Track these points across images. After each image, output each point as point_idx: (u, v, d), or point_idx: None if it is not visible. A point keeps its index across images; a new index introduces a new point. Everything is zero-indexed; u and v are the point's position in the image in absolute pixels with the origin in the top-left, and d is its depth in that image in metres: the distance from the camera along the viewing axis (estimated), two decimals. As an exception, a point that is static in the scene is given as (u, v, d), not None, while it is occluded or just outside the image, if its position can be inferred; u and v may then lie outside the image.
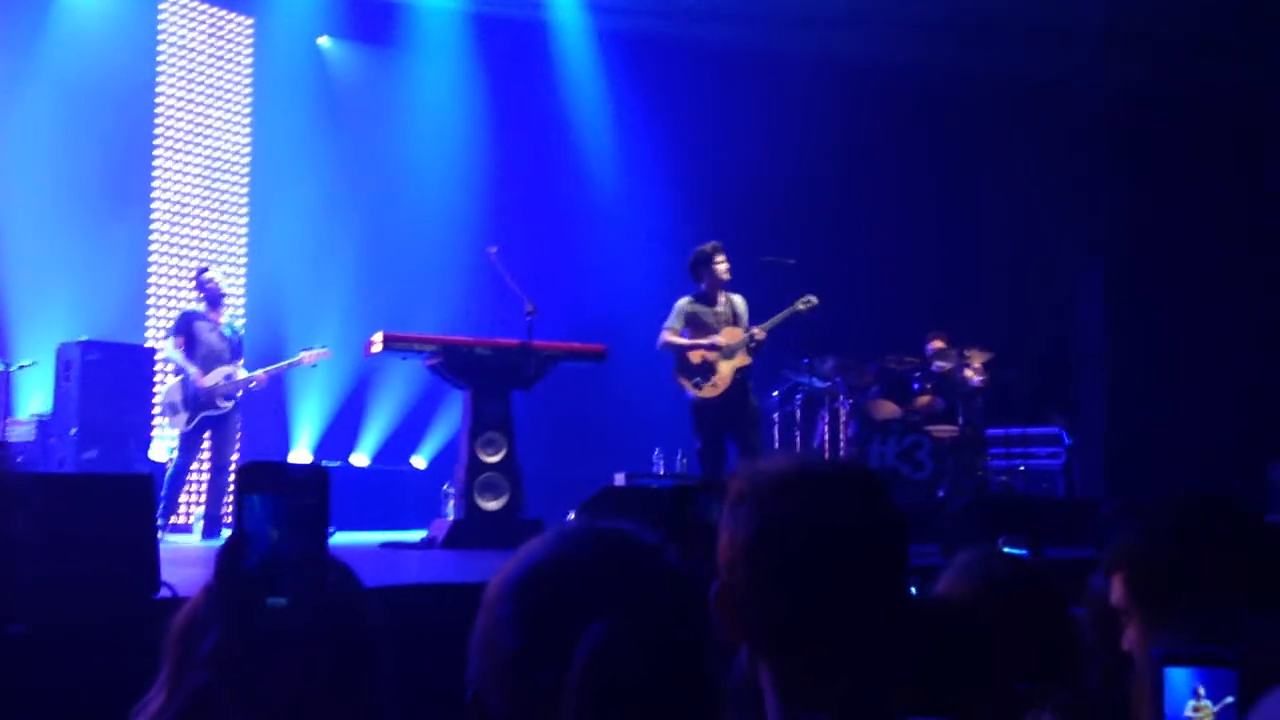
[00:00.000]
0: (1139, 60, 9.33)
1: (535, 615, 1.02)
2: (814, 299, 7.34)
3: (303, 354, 7.88)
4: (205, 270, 7.82)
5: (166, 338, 7.65)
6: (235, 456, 7.84)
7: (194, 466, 7.79)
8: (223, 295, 7.66)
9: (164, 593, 3.53)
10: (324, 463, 9.62)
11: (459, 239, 9.89)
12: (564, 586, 1.03)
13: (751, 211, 10.18)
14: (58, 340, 8.15)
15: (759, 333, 7.13)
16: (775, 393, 8.77)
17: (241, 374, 7.58)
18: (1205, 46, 8.94)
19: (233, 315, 7.84)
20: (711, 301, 7.22)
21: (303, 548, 1.05)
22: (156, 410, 7.74)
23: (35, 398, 8.35)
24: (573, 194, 11.22)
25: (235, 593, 1.04)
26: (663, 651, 0.97)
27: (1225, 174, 9.82)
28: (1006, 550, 2.17)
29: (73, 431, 7.83)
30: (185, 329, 7.43)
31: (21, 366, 8.02)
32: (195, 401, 7.36)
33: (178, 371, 7.44)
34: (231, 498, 1.19)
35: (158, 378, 8.64)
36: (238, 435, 7.89)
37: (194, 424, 7.38)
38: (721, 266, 7.17)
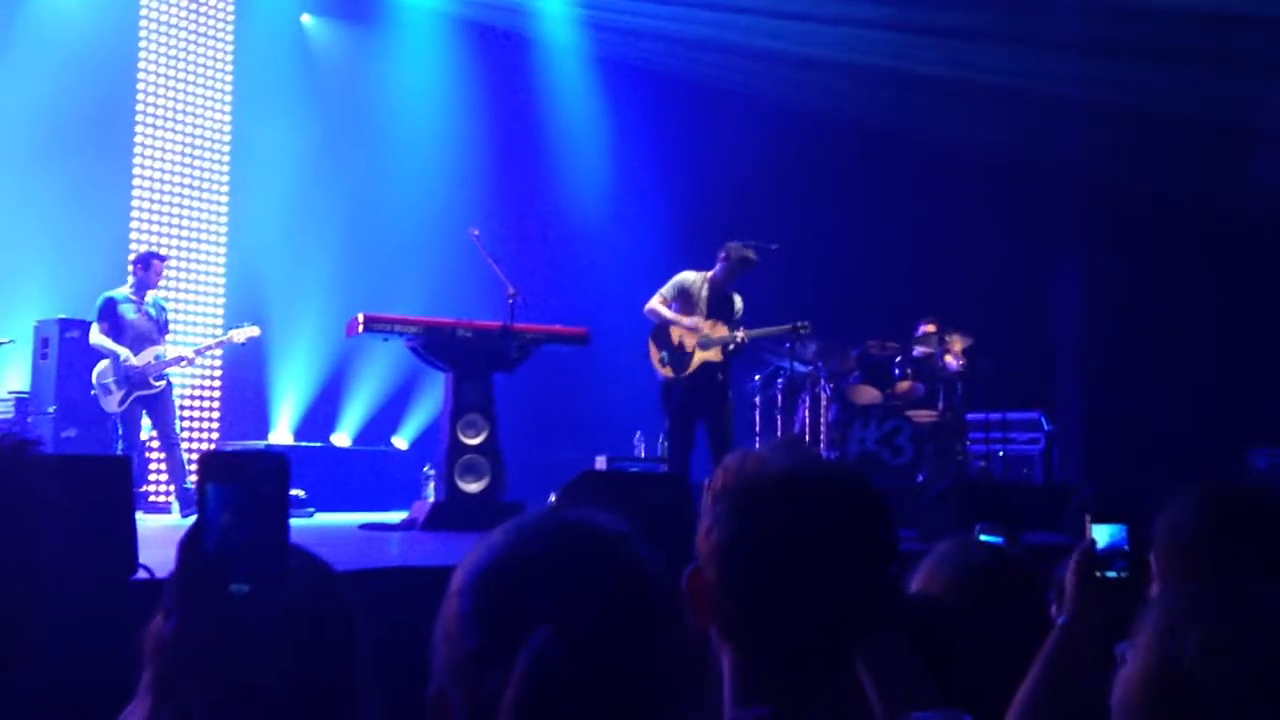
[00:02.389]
0: (1125, 64, 9.38)
1: (493, 611, 1.01)
2: (808, 325, 7.34)
3: (231, 332, 7.94)
4: (159, 258, 7.78)
5: (91, 324, 7.60)
6: (192, 437, 7.81)
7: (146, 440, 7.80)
8: (156, 285, 7.68)
9: (141, 574, 3.52)
10: (300, 443, 9.62)
11: (442, 220, 9.84)
12: (523, 582, 1.02)
13: (737, 196, 10.18)
14: (36, 317, 8.09)
15: (742, 336, 7.12)
16: (757, 377, 8.79)
17: (171, 352, 7.63)
18: (1191, 47, 8.99)
19: (155, 294, 7.77)
20: (715, 289, 7.17)
21: (264, 535, 1.05)
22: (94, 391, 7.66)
23: (13, 375, 8.29)
24: (556, 176, 11.19)
25: (196, 580, 1.04)
26: (610, 655, 0.96)
27: (1205, 165, 9.87)
28: (983, 538, 2.19)
29: (50, 410, 7.78)
30: (109, 314, 7.42)
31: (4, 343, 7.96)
32: (128, 381, 7.36)
33: (106, 354, 7.39)
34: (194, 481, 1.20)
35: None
36: (177, 410, 7.92)
37: (128, 403, 7.38)
38: (745, 257, 7.11)
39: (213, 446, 9.39)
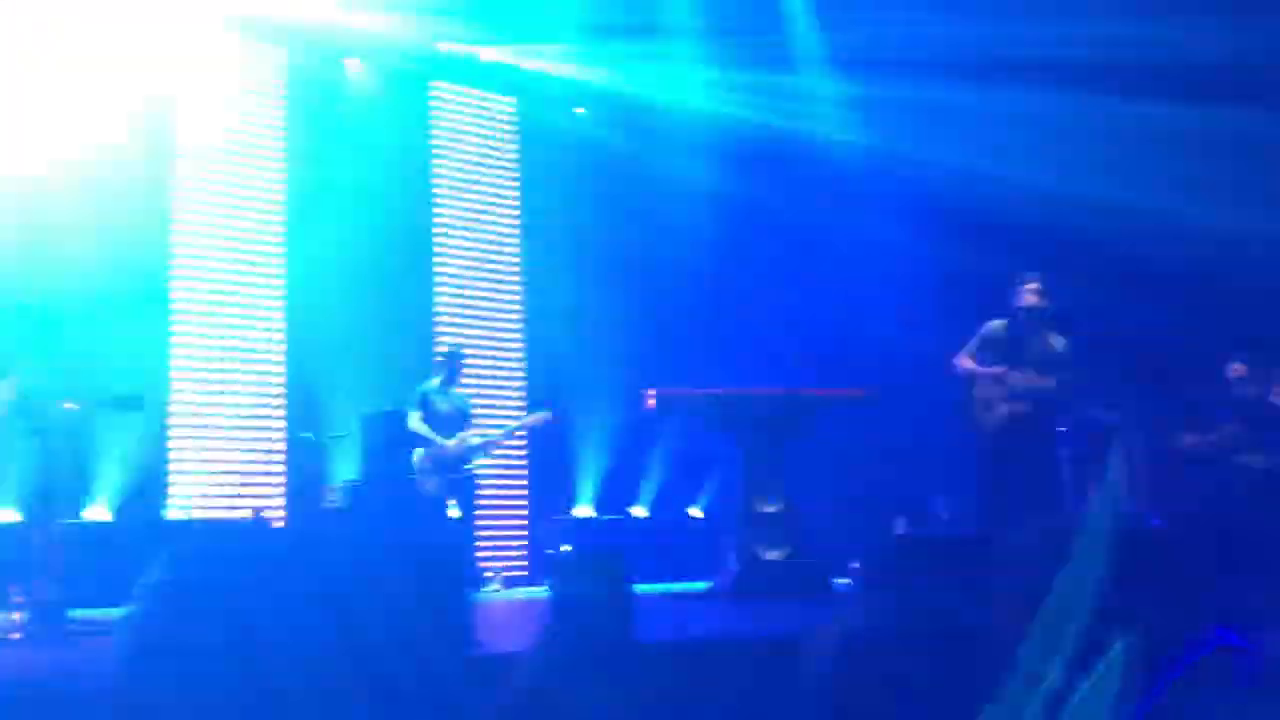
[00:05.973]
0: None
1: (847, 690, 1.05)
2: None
3: (527, 417, 8.71)
4: (461, 354, 8.50)
5: (410, 411, 8.23)
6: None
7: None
8: (461, 374, 8.38)
9: (479, 650, 3.74)
10: (601, 516, 9.95)
11: (721, 287, 10.07)
12: (875, 661, 1.05)
13: (1014, 232, 9.78)
14: (362, 411, 8.83)
15: (1051, 385, 6.66)
16: (1061, 429, 8.35)
17: (475, 439, 8.24)
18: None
19: (462, 386, 8.46)
20: (1020, 333, 6.78)
21: (611, 626, 1.14)
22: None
23: (347, 465, 9.04)
24: (826, 236, 11.14)
25: (554, 671, 1.13)
26: None
27: None
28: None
29: (344, 487, 8.39)
30: (423, 404, 8.12)
31: (334, 437, 8.79)
32: (443, 466, 8.00)
33: (423, 441, 8.03)
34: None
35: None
36: (476, 495, 8.58)
37: (442, 486, 8.00)
38: (1030, 297, 6.72)
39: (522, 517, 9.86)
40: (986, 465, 6.79)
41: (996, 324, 6.83)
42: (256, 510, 8.72)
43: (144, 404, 5.62)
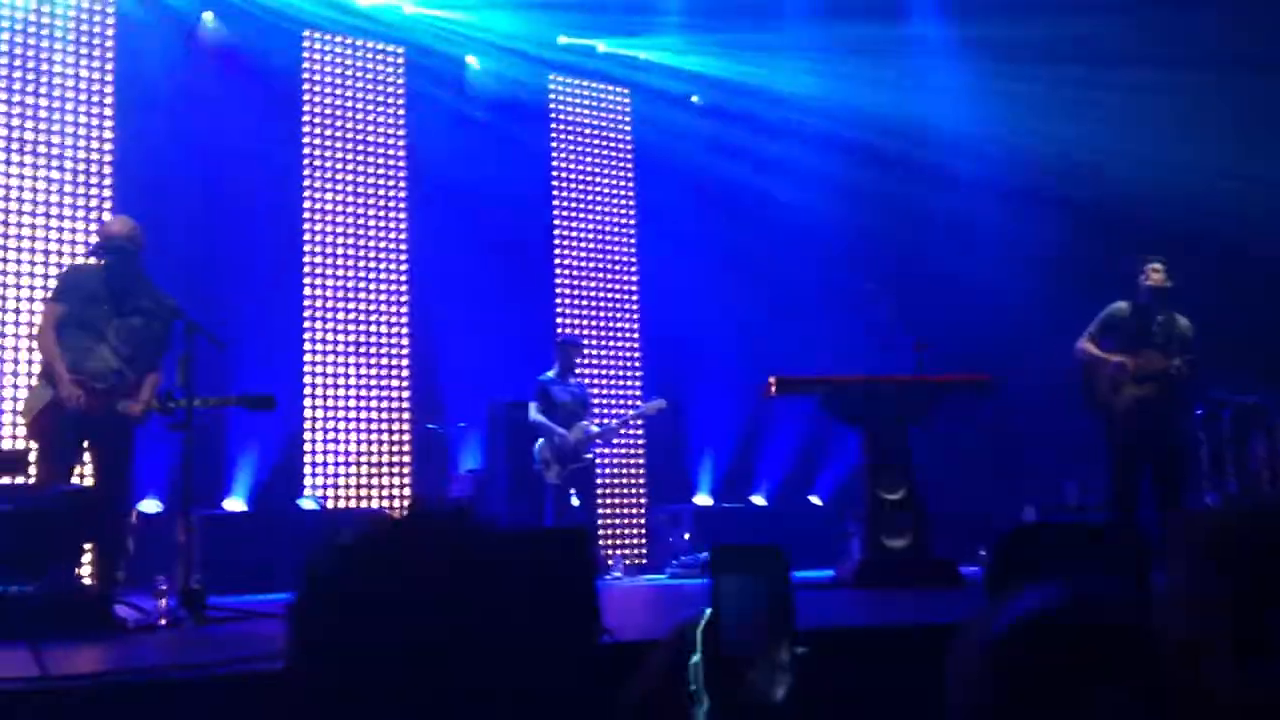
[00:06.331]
0: None
1: (1019, 677, 1.02)
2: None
3: (644, 406, 8.85)
4: (576, 343, 8.57)
5: (530, 402, 8.29)
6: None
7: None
8: (575, 366, 8.46)
9: (606, 638, 3.76)
10: (720, 504, 9.93)
11: (838, 275, 9.95)
12: (1044, 652, 1.02)
13: (1139, 217, 9.46)
14: (488, 402, 8.98)
15: (1178, 365, 6.46)
16: (1198, 411, 8.05)
17: (594, 428, 8.35)
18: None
19: (576, 376, 8.50)
20: (1146, 315, 6.64)
21: (772, 624, 1.12)
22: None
23: (470, 454, 9.22)
24: (946, 222, 10.92)
25: (718, 670, 1.11)
26: None
27: None
28: None
29: (468, 471, 8.53)
30: (543, 395, 8.20)
31: (460, 426, 8.97)
32: (563, 456, 8.04)
33: (544, 432, 8.08)
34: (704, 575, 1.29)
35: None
36: (597, 482, 8.67)
37: (564, 476, 8.06)
38: (1156, 277, 6.58)
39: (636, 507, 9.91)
40: (1116, 450, 6.61)
41: (1119, 306, 6.67)
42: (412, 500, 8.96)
43: (276, 404, 5.81)
